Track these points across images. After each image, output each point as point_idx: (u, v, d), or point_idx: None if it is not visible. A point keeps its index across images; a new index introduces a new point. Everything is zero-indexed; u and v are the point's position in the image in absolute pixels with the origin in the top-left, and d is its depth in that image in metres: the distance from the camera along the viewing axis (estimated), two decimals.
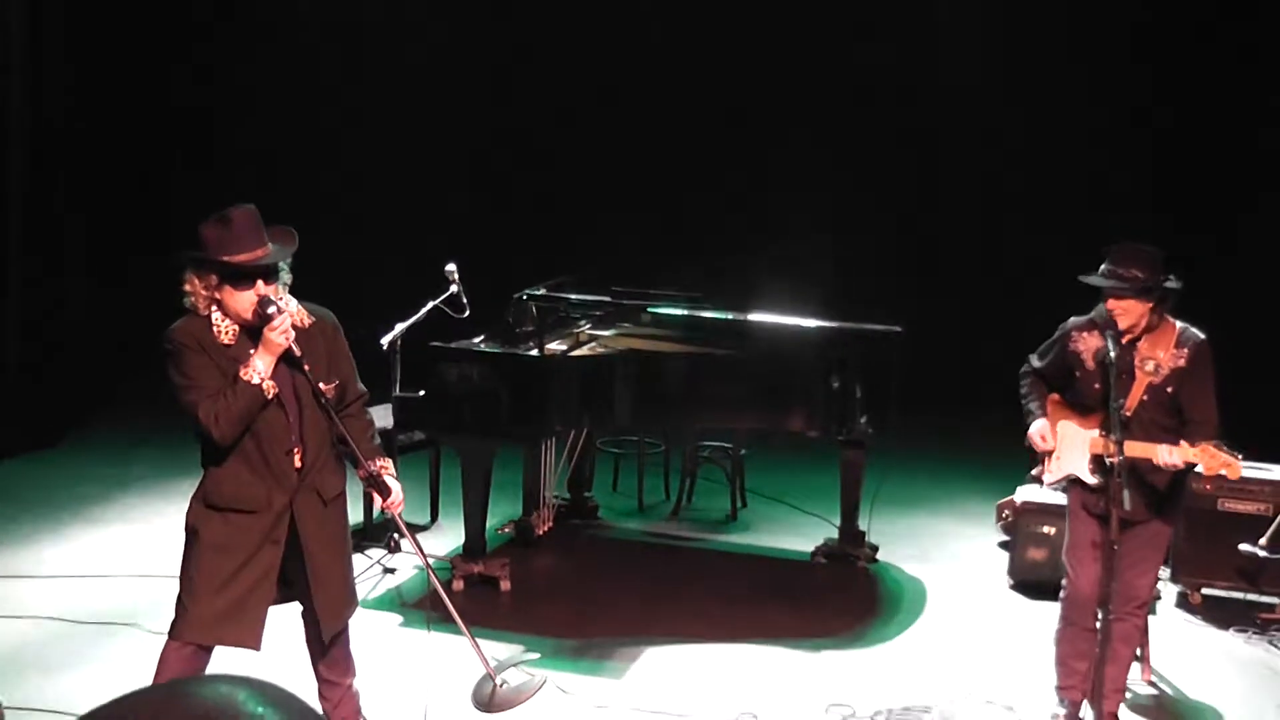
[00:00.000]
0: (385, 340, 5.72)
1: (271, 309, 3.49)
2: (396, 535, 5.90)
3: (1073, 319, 4.29)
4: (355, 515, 5.30)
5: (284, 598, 3.75)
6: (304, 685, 3.83)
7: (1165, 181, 8.58)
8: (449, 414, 5.53)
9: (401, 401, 5.77)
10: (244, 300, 3.50)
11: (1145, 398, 4.08)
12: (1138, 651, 4.66)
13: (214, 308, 3.54)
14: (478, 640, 4.17)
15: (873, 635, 5.37)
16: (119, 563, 5.85)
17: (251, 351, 3.52)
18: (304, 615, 3.80)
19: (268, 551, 3.61)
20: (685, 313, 6.17)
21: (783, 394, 5.79)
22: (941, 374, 8.34)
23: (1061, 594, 4.39)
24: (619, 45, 9.28)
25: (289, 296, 3.65)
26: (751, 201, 9.18)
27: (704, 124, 9.29)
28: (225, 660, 3.72)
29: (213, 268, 3.49)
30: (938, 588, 5.96)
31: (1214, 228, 8.41)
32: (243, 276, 3.49)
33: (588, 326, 6.26)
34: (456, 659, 4.65)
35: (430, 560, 4.50)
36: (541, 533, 6.46)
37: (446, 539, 6.27)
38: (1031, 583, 5.72)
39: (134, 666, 4.34)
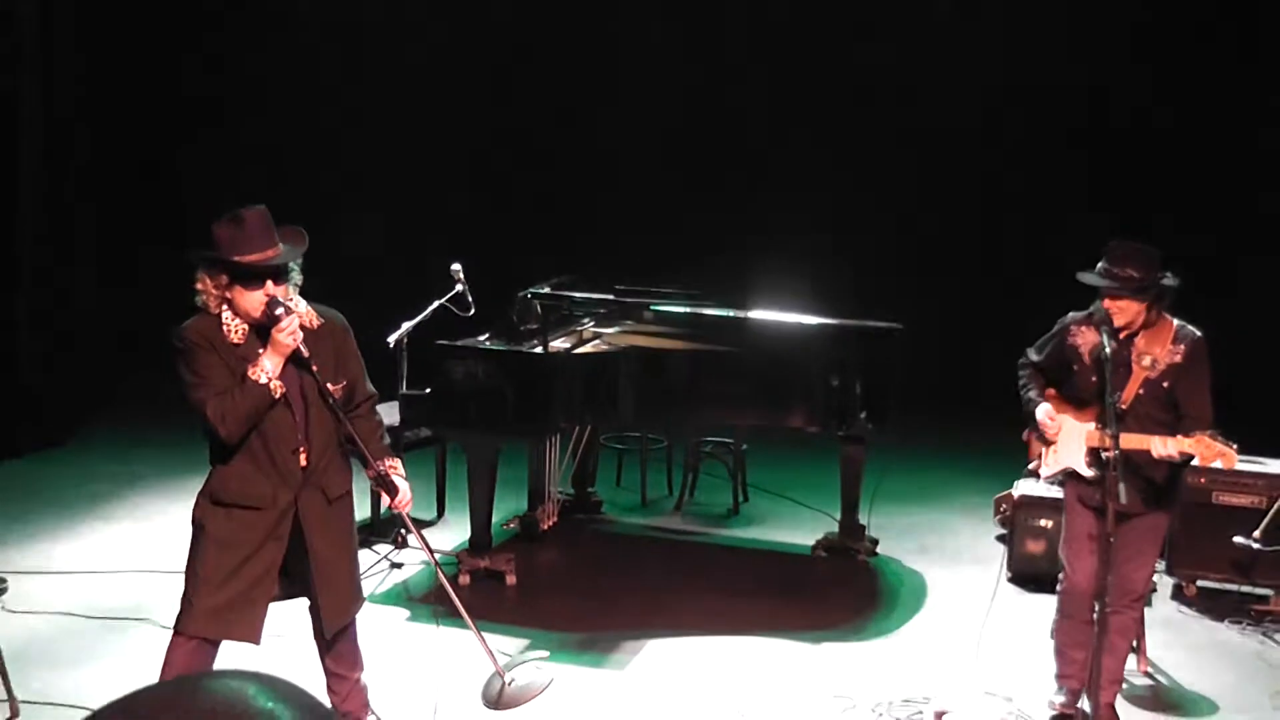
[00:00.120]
0: (392, 338, 5.80)
1: (279, 310, 3.54)
2: (403, 530, 5.96)
3: (1071, 313, 4.35)
4: (364, 511, 5.38)
5: (291, 593, 3.79)
6: (312, 679, 3.87)
7: (1165, 181, 8.60)
8: (455, 411, 5.59)
9: (408, 399, 5.84)
10: (254, 300, 3.55)
11: (1141, 392, 4.14)
12: (1134, 643, 4.72)
13: (225, 307, 3.59)
14: (484, 635, 4.23)
15: (873, 627, 5.44)
16: (130, 558, 5.91)
17: (260, 351, 3.57)
18: (311, 610, 3.84)
19: (270, 548, 3.65)
20: (687, 310, 6.22)
21: (784, 390, 5.84)
22: (941, 371, 8.38)
23: (1059, 586, 4.45)
24: (619, 45, 9.33)
25: (299, 298, 3.70)
26: (752, 201, 9.22)
27: (704, 124, 9.33)
28: (233, 655, 3.76)
29: (224, 267, 3.54)
30: (937, 581, 6.03)
31: (1214, 228, 8.44)
32: (253, 276, 3.53)
33: (591, 324, 6.32)
34: (463, 652, 4.71)
35: (437, 555, 4.57)
36: (546, 528, 6.53)
37: (453, 534, 6.32)
38: (1029, 575, 5.78)
39: (145, 661, 4.39)
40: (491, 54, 9.61)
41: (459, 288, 5.95)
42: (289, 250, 3.65)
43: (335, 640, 3.88)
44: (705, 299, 6.25)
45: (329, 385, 3.66)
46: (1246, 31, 8.63)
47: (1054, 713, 4.50)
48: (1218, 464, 4.03)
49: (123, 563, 5.86)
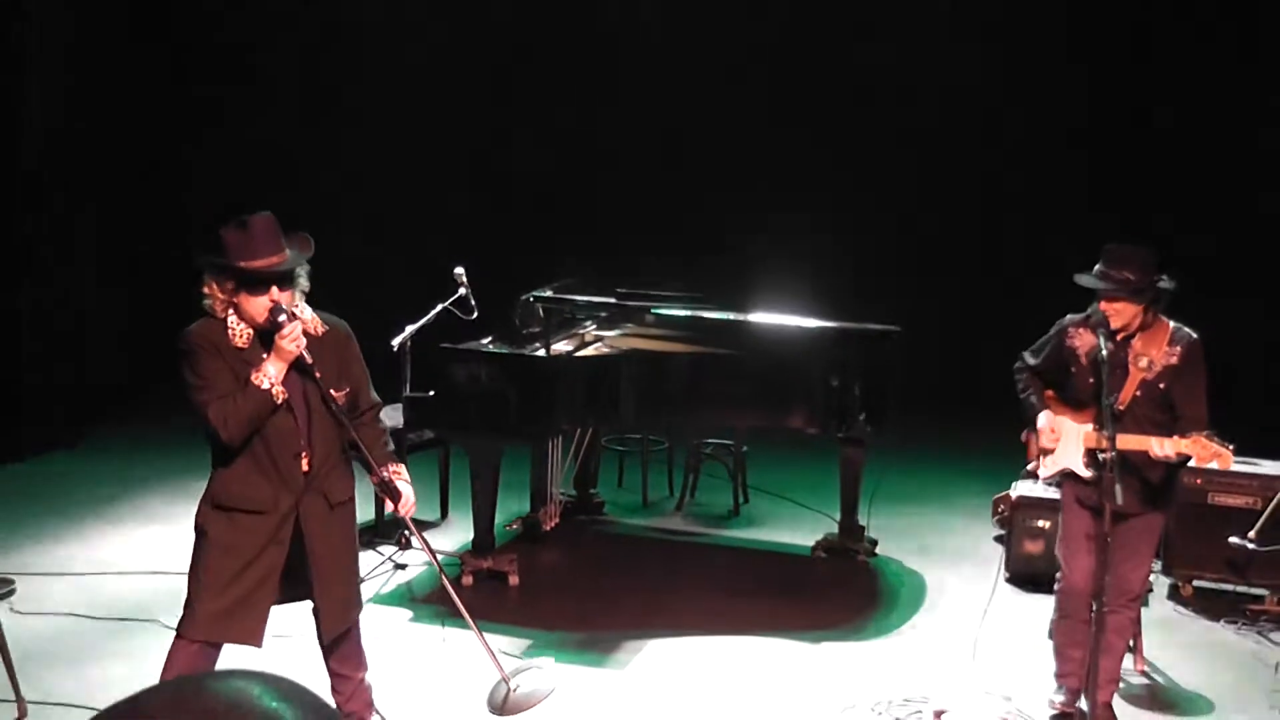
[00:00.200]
0: (395, 342, 5.83)
1: (282, 317, 3.56)
2: (406, 532, 6.00)
3: (1069, 315, 4.38)
4: (367, 514, 5.41)
5: (293, 596, 3.81)
6: (317, 679, 3.91)
7: (1165, 181, 8.61)
8: (458, 413, 5.63)
9: (412, 401, 5.87)
10: (258, 305, 3.58)
11: (1138, 393, 4.17)
12: (1131, 642, 4.76)
13: (230, 311, 3.62)
14: (486, 636, 4.26)
15: (872, 627, 5.47)
16: (136, 560, 5.94)
17: (265, 356, 3.60)
18: (314, 612, 3.87)
19: (272, 552, 3.67)
20: (688, 313, 6.26)
21: (784, 392, 5.86)
22: (940, 372, 8.40)
23: (1056, 586, 4.49)
24: (619, 45, 9.34)
25: (304, 304, 3.72)
26: (752, 202, 9.24)
27: (704, 124, 9.34)
28: (236, 656, 3.78)
29: (229, 272, 3.57)
30: (936, 581, 6.06)
31: (1214, 228, 8.46)
32: (258, 282, 3.56)
33: (593, 327, 6.35)
34: (467, 654, 4.75)
35: (440, 556, 4.61)
36: (548, 529, 6.56)
37: (456, 535, 6.36)
38: (1027, 575, 5.82)
39: (152, 662, 4.39)
40: (491, 54, 9.61)
41: (462, 291, 5.98)
42: (295, 256, 3.67)
43: (339, 641, 3.91)
44: (706, 302, 6.29)
45: (332, 391, 3.69)
46: (1246, 31, 8.64)
47: (1053, 711, 4.53)
48: (1214, 465, 4.06)
49: (129, 564, 5.89)
